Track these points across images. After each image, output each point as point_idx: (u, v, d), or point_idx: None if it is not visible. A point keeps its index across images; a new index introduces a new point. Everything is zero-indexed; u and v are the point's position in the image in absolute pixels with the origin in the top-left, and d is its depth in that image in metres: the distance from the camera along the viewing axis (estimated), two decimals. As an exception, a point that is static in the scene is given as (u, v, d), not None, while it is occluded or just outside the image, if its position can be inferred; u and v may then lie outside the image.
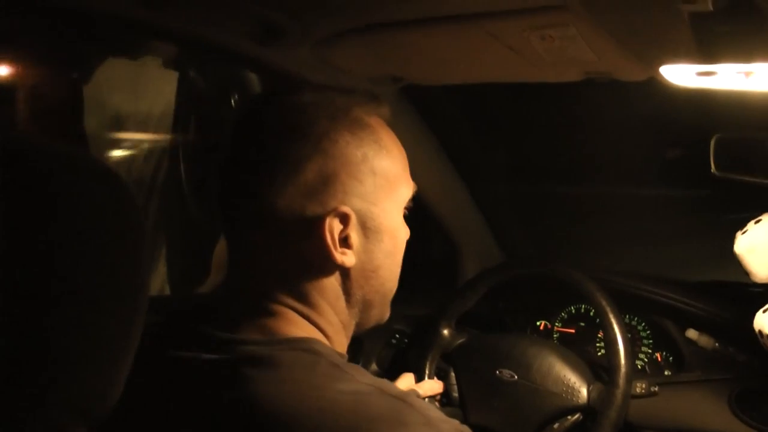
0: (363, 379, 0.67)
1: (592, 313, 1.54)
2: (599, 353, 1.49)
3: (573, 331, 1.56)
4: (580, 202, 2.38)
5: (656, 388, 1.27)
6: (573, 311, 1.57)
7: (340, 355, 0.71)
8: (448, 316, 1.46)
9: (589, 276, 1.35)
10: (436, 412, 0.67)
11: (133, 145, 1.90)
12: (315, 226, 0.69)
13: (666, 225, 2.27)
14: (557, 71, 0.98)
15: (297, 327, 0.71)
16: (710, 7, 0.65)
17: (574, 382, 1.26)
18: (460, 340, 1.44)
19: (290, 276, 0.71)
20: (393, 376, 1.33)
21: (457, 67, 1.06)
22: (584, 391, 1.25)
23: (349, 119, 0.72)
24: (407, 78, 1.16)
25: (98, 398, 0.50)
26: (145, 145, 1.92)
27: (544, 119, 2.10)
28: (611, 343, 1.24)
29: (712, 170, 1.09)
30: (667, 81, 0.90)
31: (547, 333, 1.58)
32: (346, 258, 0.71)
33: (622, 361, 1.22)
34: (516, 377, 1.31)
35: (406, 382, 1.31)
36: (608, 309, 1.27)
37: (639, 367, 1.45)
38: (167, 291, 1.94)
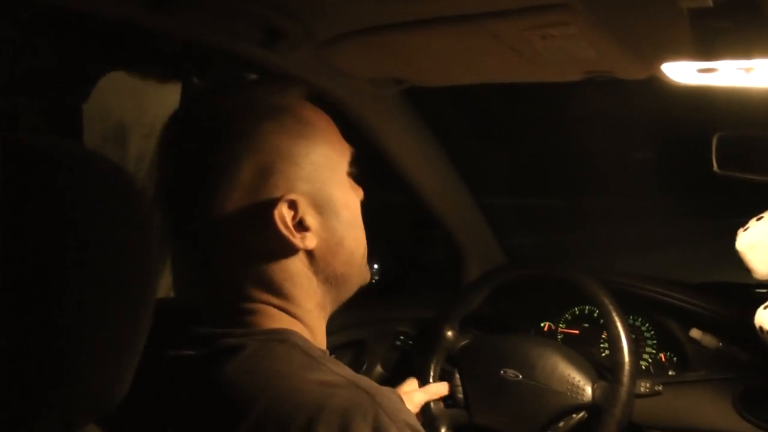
0: (339, 371, 0.66)
1: (595, 315, 1.53)
2: (603, 354, 1.49)
3: (577, 332, 1.56)
4: (581, 206, 2.39)
5: (660, 387, 1.27)
6: (577, 312, 1.57)
7: (321, 350, 0.71)
8: (452, 318, 1.46)
9: (592, 277, 1.35)
10: (410, 417, 0.64)
11: (137, 153, 1.90)
12: (267, 220, 0.69)
13: (666, 229, 2.27)
14: (558, 71, 0.98)
15: (275, 320, 0.71)
16: (710, 4, 0.66)
17: (579, 381, 1.26)
18: (464, 342, 1.44)
19: (260, 273, 0.71)
20: (398, 379, 1.33)
21: (459, 67, 1.06)
22: (589, 390, 1.25)
23: (266, 108, 0.73)
24: (409, 80, 1.16)
25: (107, 395, 0.50)
26: (149, 153, 1.92)
27: (545, 122, 2.10)
28: (614, 341, 1.24)
29: (714, 168, 1.10)
30: (668, 78, 0.91)
31: (551, 334, 1.58)
32: (308, 240, 0.71)
33: (626, 358, 1.22)
34: (520, 377, 1.31)
35: (409, 387, 1.31)
36: (611, 308, 1.28)
37: (643, 367, 1.45)
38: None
